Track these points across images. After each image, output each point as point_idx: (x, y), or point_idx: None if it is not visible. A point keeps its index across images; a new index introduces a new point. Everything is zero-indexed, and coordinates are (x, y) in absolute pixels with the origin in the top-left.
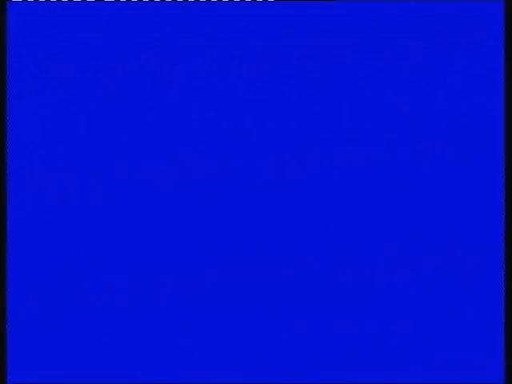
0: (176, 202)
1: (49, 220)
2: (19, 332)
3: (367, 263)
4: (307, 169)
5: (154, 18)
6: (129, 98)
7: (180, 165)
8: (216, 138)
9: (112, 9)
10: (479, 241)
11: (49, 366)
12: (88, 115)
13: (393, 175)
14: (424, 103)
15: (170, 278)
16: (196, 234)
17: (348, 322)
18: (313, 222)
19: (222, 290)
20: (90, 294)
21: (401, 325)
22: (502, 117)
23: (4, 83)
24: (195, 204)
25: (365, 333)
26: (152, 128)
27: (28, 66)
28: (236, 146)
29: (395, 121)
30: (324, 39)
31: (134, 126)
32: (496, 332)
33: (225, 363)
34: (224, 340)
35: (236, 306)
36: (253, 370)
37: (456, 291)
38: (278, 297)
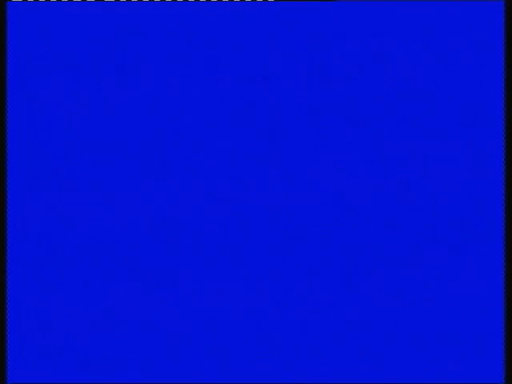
0: (174, 201)
1: (49, 219)
2: (19, 332)
3: (367, 263)
4: (308, 168)
5: (154, 18)
6: (128, 98)
7: (178, 164)
8: (216, 137)
9: (112, 9)
10: (479, 241)
11: (49, 366)
12: (88, 114)
13: (393, 175)
14: (424, 103)
15: (170, 277)
16: (194, 234)
17: (348, 322)
18: (312, 219)
19: (222, 288)
20: (89, 294)
21: (401, 325)
22: (502, 116)
23: (4, 83)
24: (194, 203)
25: (365, 333)
26: (151, 127)
27: (28, 65)
28: (235, 143)
29: (395, 120)
30: (324, 39)
31: (133, 126)
32: (496, 332)
33: (223, 364)
34: (223, 340)
35: (233, 306)
36: (251, 371)
37: (456, 291)
38: (276, 296)
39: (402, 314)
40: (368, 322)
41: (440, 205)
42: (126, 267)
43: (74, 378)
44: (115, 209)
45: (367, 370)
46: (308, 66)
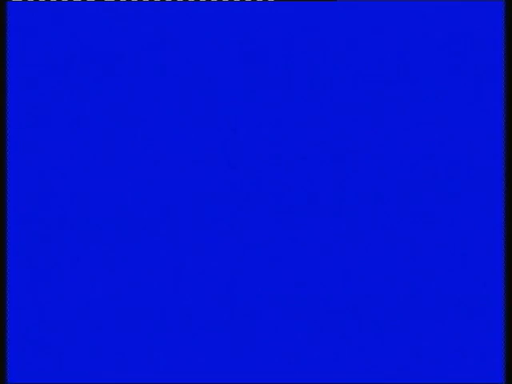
0: (174, 201)
1: (49, 220)
2: (19, 332)
3: (366, 262)
4: (308, 166)
5: (154, 18)
6: (128, 98)
7: (178, 165)
8: (216, 137)
9: (112, 9)
10: (479, 241)
11: (49, 366)
12: (88, 115)
13: (392, 177)
14: (424, 103)
15: (171, 277)
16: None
17: (347, 321)
18: (307, 228)
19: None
20: (90, 295)
21: (401, 324)
22: (502, 117)
23: (4, 83)
24: (194, 203)
25: (364, 332)
26: (151, 127)
27: (28, 66)
28: (233, 143)
29: (395, 120)
30: (324, 39)
31: (134, 126)
32: (496, 332)
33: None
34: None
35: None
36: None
37: (456, 291)
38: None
39: (401, 314)
40: (367, 322)
41: (439, 205)
42: (127, 267)
43: (75, 378)
44: (116, 208)
45: (366, 369)
46: (308, 66)
